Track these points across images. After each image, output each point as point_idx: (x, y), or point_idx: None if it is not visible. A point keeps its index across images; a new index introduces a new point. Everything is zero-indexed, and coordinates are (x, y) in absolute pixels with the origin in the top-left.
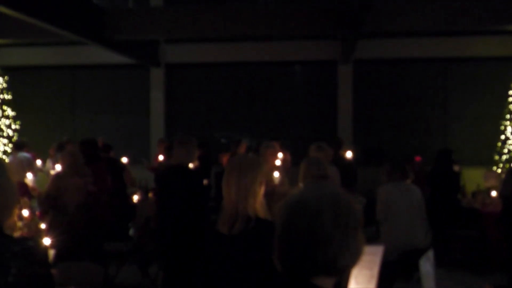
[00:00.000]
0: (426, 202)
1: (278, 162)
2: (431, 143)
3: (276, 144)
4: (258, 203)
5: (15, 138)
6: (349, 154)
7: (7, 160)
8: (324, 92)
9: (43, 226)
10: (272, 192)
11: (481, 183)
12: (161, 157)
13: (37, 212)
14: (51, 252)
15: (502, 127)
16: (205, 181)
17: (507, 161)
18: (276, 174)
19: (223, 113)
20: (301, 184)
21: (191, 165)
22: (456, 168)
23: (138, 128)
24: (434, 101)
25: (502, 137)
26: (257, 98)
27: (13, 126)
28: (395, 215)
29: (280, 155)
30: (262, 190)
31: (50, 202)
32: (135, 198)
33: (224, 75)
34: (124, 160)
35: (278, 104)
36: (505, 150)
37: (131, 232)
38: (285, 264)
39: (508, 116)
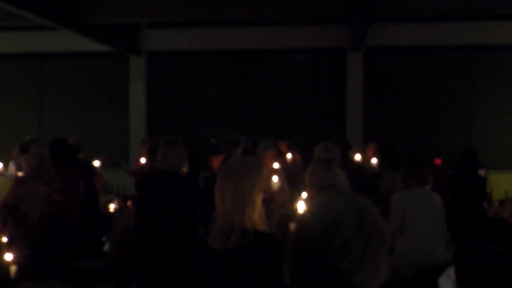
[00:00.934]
0: (448, 211)
1: (276, 165)
2: (453, 143)
3: (283, 145)
4: (257, 214)
5: None
6: (358, 157)
7: None
8: (331, 84)
9: (4, 239)
10: (270, 200)
11: (510, 190)
12: (143, 160)
13: None
14: (13, 269)
15: None
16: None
17: None
18: (275, 179)
19: (213, 109)
20: (305, 192)
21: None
22: (481, 172)
23: (115, 126)
24: (456, 94)
25: None
26: (254, 91)
27: None
28: (412, 226)
29: (289, 155)
30: (260, 198)
31: (9, 211)
32: (112, 207)
33: (215, 65)
34: (96, 163)
35: (278, 98)
36: None
37: (106, 247)
38: (295, 279)
39: None
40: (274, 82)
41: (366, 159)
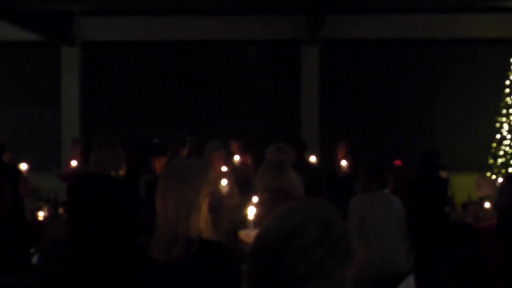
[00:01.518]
0: (408, 215)
1: (224, 168)
2: (415, 143)
3: (234, 145)
4: (203, 221)
5: None
6: (313, 159)
7: None
8: (285, 79)
9: None
10: (218, 206)
11: (473, 193)
12: (75, 163)
13: None
14: None
15: (498, 125)
16: None
17: (503, 165)
18: (224, 183)
19: (156, 106)
20: (256, 196)
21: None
22: (444, 174)
23: (45, 124)
24: (418, 91)
25: (498, 136)
26: (201, 87)
27: None
28: (371, 233)
29: (236, 157)
30: (207, 203)
31: None
32: (41, 215)
33: (158, 57)
34: (23, 166)
35: (227, 94)
36: (501, 153)
37: (34, 259)
38: (252, 282)
39: (504, 111)
40: (223, 77)
41: (336, 161)
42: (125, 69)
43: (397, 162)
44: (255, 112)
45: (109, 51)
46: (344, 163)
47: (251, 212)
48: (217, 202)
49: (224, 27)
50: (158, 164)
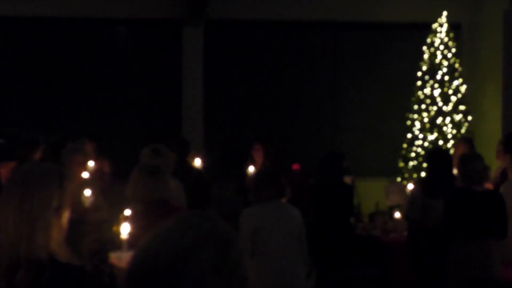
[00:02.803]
0: (308, 228)
1: (86, 175)
2: (315, 144)
3: (88, 147)
4: (56, 240)
5: None
6: (198, 162)
7: None
8: (163, 66)
9: None
10: (80, 221)
11: (382, 201)
12: None
13: None
14: None
15: (409, 122)
16: None
17: (415, 169)
18: (87, 193)
19: (1, 97)
20: (129, 209)
21: None
22: (348, 180)
23: None
24: (318, 84)
25: (409, 136)
26: (59, 74)
27: None
28: (265, 249)
29: (91, 164)
30: (64, 219)
31: None
32: None
33: (5, 35)
34: None
35: (91, 83)
36: (412, 154)
37: None
38: None
39: (416, 107)
40: (86, 62)
41: (255, 165)
42: None
43: (295, 166)
44: (126, 105)
45: None
46: (252, 169)
47: (124, 229)
48: (79, 217)
49: (87, 2)
50: (4, 170)
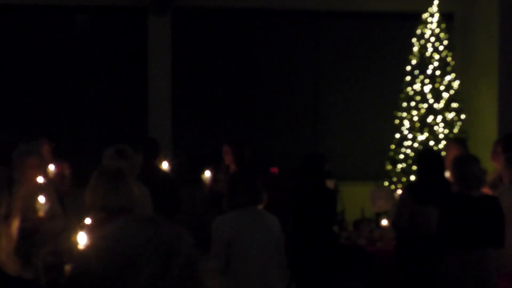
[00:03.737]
0: (287, 237)
1: (41, 179)
2: (294, 146)
3: (45, 148)
4: (4, 251)
5: None
6: (165, 165)
7: None
8: (127, 58)
9: None
10: (34, 231)
11: (368, 207)
12: None
13: None
14: None
15: (397, 121)
16: None
17: (403, 172)
18: (42, 199)
19: None
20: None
21: None
22: (331, 184)
23: None
24: (299, 79)
25: (397, 136)
26: (9, 66)
27: None
28: (241, 261)
29: (51, 168)
30: (14, 228)
31: None
32: None
33: None
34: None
35: (49, 76)
36: (401, 156)
37: None
38: None
39: (405, 104)
40: (43, 53)
41: (228, 169)
42: None
43: (273, 170)
44: (87, 102)
45: None
46: (208, 174)
47: (81, 239)
48: (33, 226)
49: None
50: None
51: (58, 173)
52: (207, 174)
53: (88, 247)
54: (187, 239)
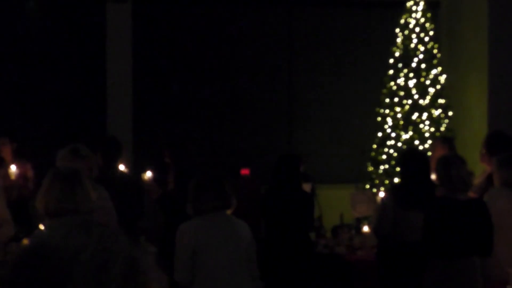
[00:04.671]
0: (259, 245)
1: None
2: (267, 146)
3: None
4: None
5: None
6: (122, 167)
7: None
8: (82, 48)
9: None
10: None
11: (348, 212)
12: None
13: None
14: None
15: (379, 118)
16: None
17: (386, 174)
18: None
19: None
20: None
21: None
22: (307, 187)
23: None
24: (270, 72)
25: (379, 134)
26: None
27: None
28: (207, 271)
29: (13, 169)
30: None
31: None
32: None
33: None
34: None
35: None
36: (383, 157)
37: None
38: None
39: (387, 100)
40: None
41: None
42: None
43: (244, 171)
44: (37, 97)
45: None
46: (149, 174)
47: None
48: None
49: None
50: None
51: (21, 174)
52: (148, 174)
53: (21, 250)
54: (124, 240)
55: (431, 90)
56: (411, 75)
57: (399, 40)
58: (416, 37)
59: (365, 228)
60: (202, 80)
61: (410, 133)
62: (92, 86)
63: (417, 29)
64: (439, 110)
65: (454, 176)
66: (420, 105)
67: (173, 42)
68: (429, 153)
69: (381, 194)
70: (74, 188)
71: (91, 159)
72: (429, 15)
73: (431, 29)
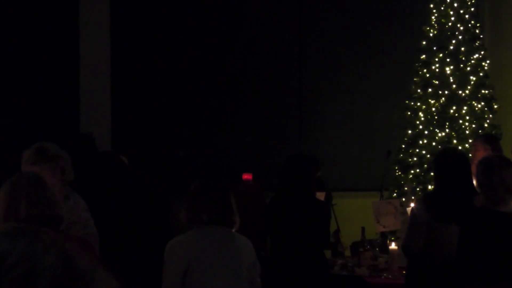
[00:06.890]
0: (264, 265)
1: None
2: (274, 147)
3: None
4: None
5: None
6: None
7: None
8: (55, 41)
9: None
10: None
11: (370, 226)
12: None
13: None
14: None
15: (408, 113)
16: None
17: (417, 179)
18: None
19: None
20: None
21: None
22: (321, 196)
23: None
24: (276, 61)
25: (409, 132)
26: None
27: None
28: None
29: None
30: None
31: None
32: None
33: None
34: None
35: None
36: (414, 159)
37: None
38: None
39: (419, 91)
40: None
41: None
42: None
43: (247, 176)
44: (5, 92)
45: None
46: None
47: None
48: None
49: None
50: None
51: None
52: None
53: None
54: (80, 255)
55: (472, 78)
56: (448, 60)
57: (433, 18)
58: (455, 14)
59: (392, 245)
60: (195, 68)
61: (447, 130)
62: (60, 72)
63: (456, 4)
64: (482, 103)
65: (496, 183)
66: (459, 96)
67: (158, 27)
68: (470, 154)
69: (412, 204)
70: (38, 194)
71: (60, 159)
72: None
73: (472, 5)
